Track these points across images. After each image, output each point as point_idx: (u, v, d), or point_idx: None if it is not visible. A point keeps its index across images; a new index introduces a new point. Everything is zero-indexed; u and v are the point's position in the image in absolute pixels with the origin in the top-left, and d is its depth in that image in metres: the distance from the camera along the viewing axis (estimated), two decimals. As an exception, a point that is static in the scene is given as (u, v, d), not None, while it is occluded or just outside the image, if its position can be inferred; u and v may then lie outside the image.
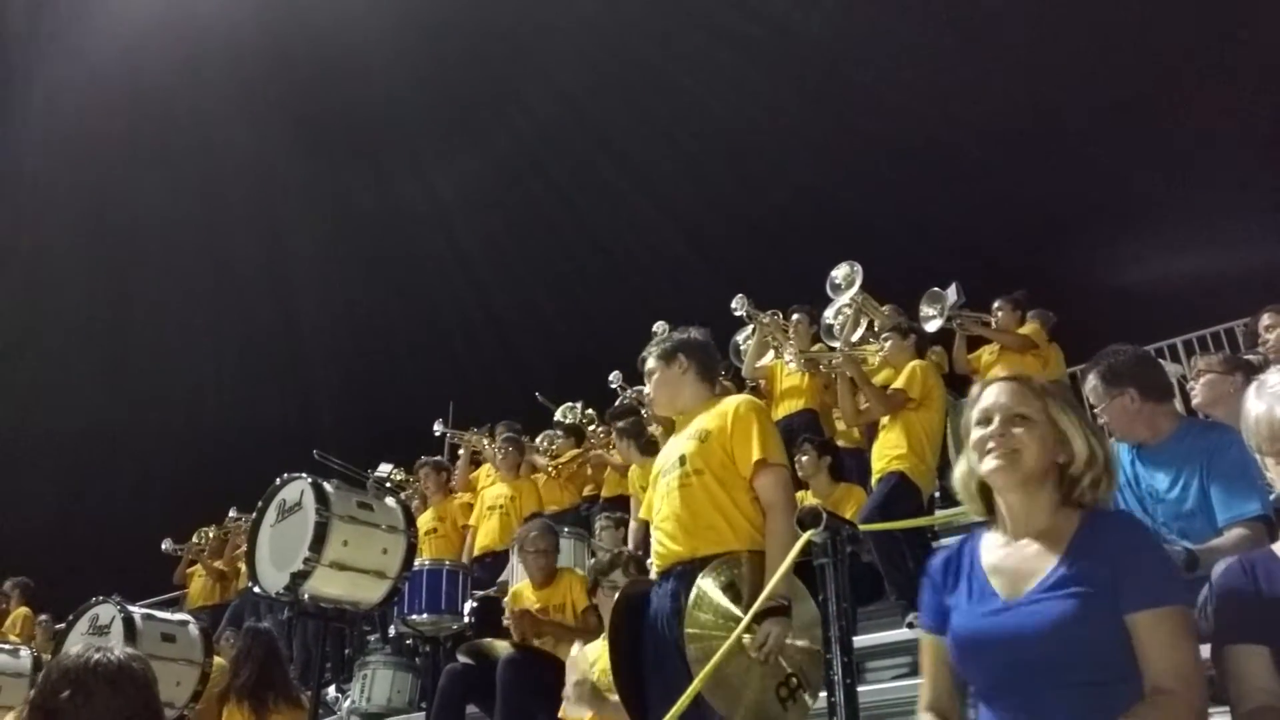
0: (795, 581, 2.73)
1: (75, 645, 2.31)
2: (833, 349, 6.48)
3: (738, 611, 2.70)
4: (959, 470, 1.97)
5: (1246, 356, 4.36)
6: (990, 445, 1.86)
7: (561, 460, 7.66)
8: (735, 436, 2.98)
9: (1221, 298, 8.56)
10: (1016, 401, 1.89)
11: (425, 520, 7.49)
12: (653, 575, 3.20)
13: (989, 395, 1.93)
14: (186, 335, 16.06)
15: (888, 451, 5.27)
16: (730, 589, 2.79)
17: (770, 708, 2.64)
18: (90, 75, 16.20)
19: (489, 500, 7.19)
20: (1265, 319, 4.34)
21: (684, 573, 2.90)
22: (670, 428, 4.03)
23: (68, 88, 16.45)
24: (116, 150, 15.83)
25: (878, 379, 5.86)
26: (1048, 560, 1.79)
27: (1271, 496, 2.76)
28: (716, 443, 3.00)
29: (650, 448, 6.04)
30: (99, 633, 4.61)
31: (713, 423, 3.06)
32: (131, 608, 4.73)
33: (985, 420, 1.90)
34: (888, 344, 5.84)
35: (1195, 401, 4.03)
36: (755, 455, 2.92)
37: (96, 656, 2.23)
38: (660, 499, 3.11)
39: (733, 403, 3.12)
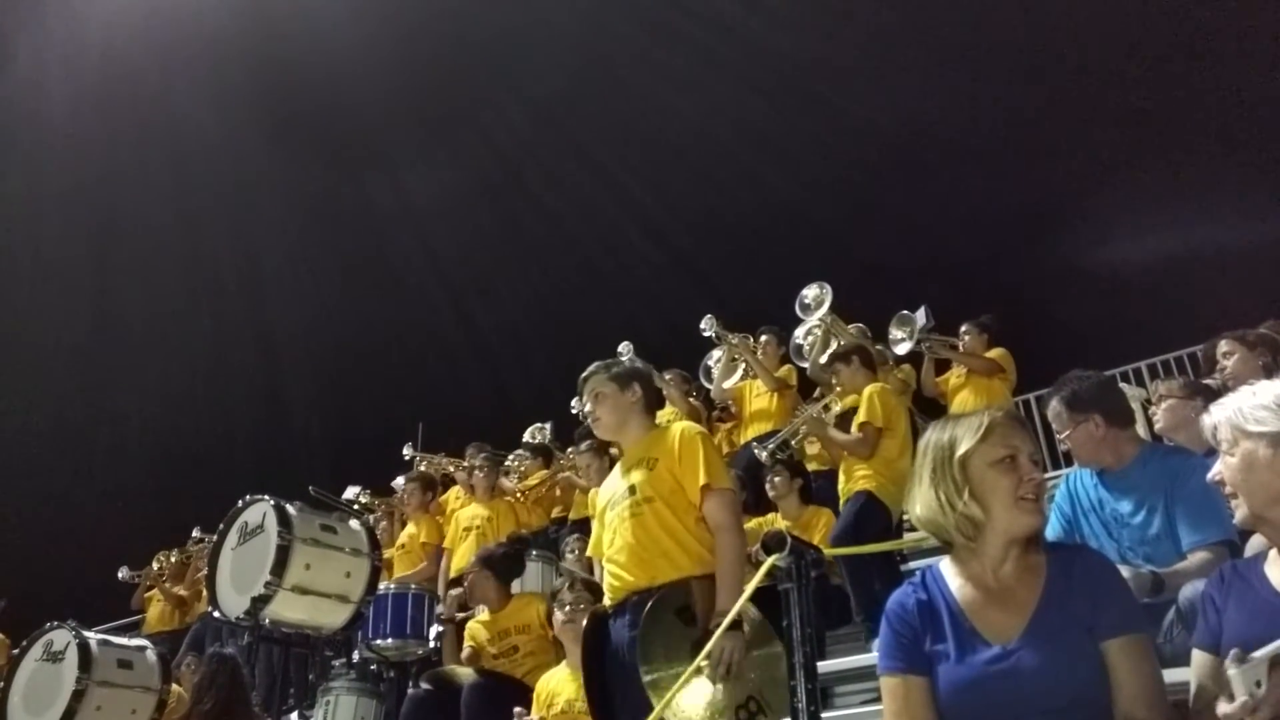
0: (751, 608, 2.70)
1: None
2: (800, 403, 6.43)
3: (693, 636, 2.72)
4: (925, 502, 1.90)
5: (1206, 381, 4.42)
6: (1026, 495, 1.83)
7: (529, 484, 7.60)
8: (683, 463, 3.00)
9: (1182, 322, 8.70)
10: (1031, 440, 1.89)
11: (402, 535, 7.41)
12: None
13: (1008, 431, 1.87)
14: (160, 349, 15.90)
15: (853, 471, 5.27)
16: (684, 612, 2.79)
17: None
18: (65, 77, 16.05)
19: (464, 521, 7.03)
20: (1223, 345, 4.41)
21: (640, 602, 2.88)
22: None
23: (43, 89, 16.28)
24: (93, 154, 15.70)
25: (844, 403, 5.86)
26: (1028, 600, 1.81)
27: (1234, 520, 2.79)
28: (665, 469, 3.02)
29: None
30: (53, 659, 4.51)
31: (659, 450, 3.08)
32: (87, 633, 4.63)
33: (1009, 459, 1.84)
34: (840, 374, 5.79)
35: (1157, 426, 4.07)
36: (701, 480, 2.95)
37: None
38: (610, 532, 3.10)
39: (677, 430, 3.14)
